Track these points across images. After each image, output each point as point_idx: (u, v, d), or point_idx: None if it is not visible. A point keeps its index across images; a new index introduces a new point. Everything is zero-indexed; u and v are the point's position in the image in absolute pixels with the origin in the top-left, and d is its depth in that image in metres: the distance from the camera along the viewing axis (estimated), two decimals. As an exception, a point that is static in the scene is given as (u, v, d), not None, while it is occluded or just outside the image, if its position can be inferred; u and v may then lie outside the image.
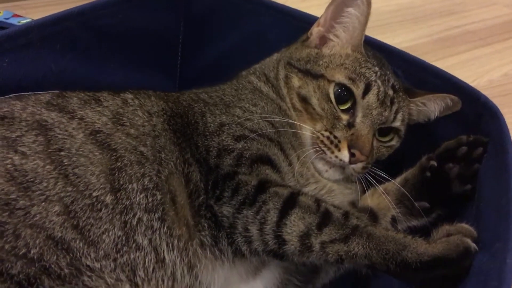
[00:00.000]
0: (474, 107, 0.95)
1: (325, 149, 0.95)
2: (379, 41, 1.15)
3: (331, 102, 0.96)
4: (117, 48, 1.18)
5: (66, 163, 0.77)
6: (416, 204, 0.92)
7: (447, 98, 0.98)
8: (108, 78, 1.18)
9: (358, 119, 0.95)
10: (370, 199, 0.96)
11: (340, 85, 0.97)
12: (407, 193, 0.93)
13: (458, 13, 2.18)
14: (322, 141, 0.95)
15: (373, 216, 0.94)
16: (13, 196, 0.72)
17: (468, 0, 2.29)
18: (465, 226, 0.79)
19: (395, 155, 1.06)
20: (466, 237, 0.75)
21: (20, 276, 0.67)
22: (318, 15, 1.22)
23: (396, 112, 0.99)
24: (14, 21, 1.67)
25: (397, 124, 1.00)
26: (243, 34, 1.34)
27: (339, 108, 0.96)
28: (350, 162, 0.94)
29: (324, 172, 0.98)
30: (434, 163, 0.92)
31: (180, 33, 1.34)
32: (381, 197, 0.96)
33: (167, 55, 1.35)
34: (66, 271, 0.70)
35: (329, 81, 0.97)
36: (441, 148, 0.93)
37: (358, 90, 0.96)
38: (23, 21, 1.68)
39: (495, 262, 0.68)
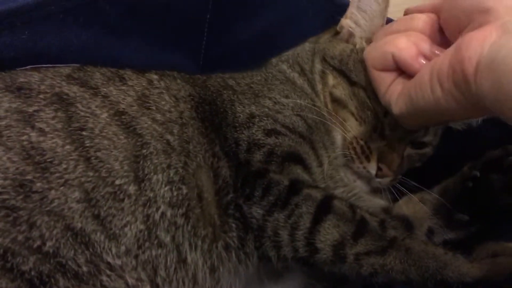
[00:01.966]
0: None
1: (354, 157, 0.90)
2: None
3: (369, 110, 0.90)
4: (141, 24, 1.11)
5: (88, 145, 0.71)
6: (455, 216, 0.86)
7: None
8: (131, 55, 1.11)
9: (387, 131, 0.90)
10: (406, 207, 0.91)
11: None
12: (446, 203, 0.87)
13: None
14: (354, 149, 0.90)
15: (409, 225, 0.88)
16: (29, 177, 0.65)
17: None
18: (512, 246, 0.73)
19: (429, 162, 0.99)
20: None
21: (32, 273, 0.61)
22: None
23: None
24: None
25: (429, 138, 0.95)
26: (273, 17, 1.27)
27: (376, 118, 0.90)
28: (377, 176, 0.89)
29: (351, 182, 0.93)
30: (477, 173, 0.86)
31: (208, 11, 1.27)
32: (418, 206, 0.90)
33: (193, 34, 1.28)
34: (85, 269, 0.64)
35: (364, 89, 0.91)
36: (485, 157, 0.87)
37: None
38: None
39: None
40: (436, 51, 0.76)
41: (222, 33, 1.30)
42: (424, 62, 0.76)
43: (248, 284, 0.80)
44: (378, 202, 0.94)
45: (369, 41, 0.95)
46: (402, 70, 0.79)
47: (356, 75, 0.93)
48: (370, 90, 0.89)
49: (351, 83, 0.93)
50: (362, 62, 0.91)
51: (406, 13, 0.86)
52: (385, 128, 0.90)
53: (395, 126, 0.89)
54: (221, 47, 1.33)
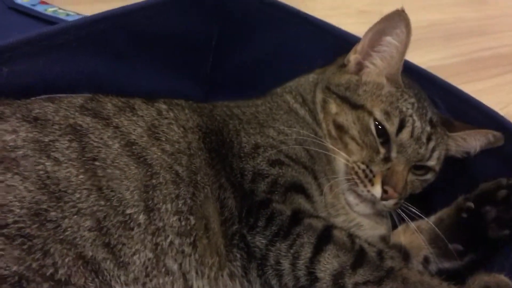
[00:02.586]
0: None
1: (358, 181, 0.93)
2: (418, 67, 1.11)
3: (371, 134, 0.94)
4: (149, 51, 1.15)
5: (100, 174, 0.73)
6: (450, 246, 0.89)
7: (489, 134, 0.95)
8: (138, 81, 1.15)
9: (393, 154, 0.93)
10: (403, 236, 0.94)
11: (375, 120, 0.94)
12: (441, 234, 0.90)
13: (491, 34, 2.14)
14: (356, 173, 0.93)
15: (405, 254, 0.91)
16: (44, 206, 0.68)
17: (501, 21, 2.24)
18: (504, 279, 0.76)
19: (428, 188, 1.03)
20: None
21: None
22: (347, 25, 1.22)
23: (433, 150, 0.96)
24: (40, 8, 1.64)
25: (432, 163, 0.97)
26: (276, 45, 1.30)
27: (379, 142, 0.93)
28: (382, 199, 0.92)
29: (354, 206, 0.96)
30: (471, 204, 0.89)
31: (213, 38, 1.30)
32: (414, 235, 0.93)
33: (198, 60, 1.32)
34: None
35: (369, 113, 0.95)
36: (478, 189, 0.90)
37: (392, 127, 0.93)
38: (50, 9, 1.65)
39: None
40: None
41: (226, 60, 1.34)
42: None
43: None
44: (378, 232, 0.96)
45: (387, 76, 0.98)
46: None
47: (364, 99, 0.96)
48: (379, 114, 0.93)
49: (356, 107, 0.96)
50: (372, 91, 0.96)
51: None
52: (392, 150, 0.93)
53: (403, 148, 0.92)
54: (225, 72, 1.36)
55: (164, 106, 0.90)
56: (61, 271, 0.65)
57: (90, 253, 0.68)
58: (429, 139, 0.94)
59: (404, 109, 0.94)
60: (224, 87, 1.36)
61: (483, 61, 1.94)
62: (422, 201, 1.00)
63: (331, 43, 1.17)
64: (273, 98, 1.04)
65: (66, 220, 0.68)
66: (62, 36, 0.95)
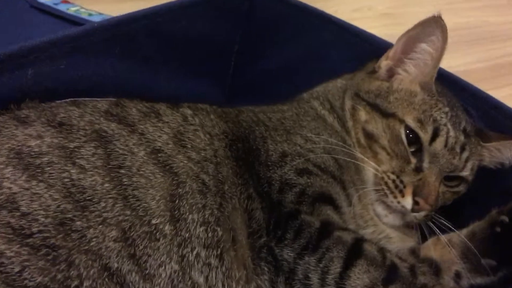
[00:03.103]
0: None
1: (387, 192, 0.90)
2: (449, 73, 1.08)
3: (402, 144, 0.91)
4: (173, 55, 1.14)
5: (126, 183, 0.71)
6: (482, 261, 0.86)
7: None
8: (162, 84, 1.13)
9: (425, 164, 0.90)
10: (434, 250, 0.90)
11: (407, 128, 0.91)
12: (473, 248, 0.86)
13: (517, 39, 2.09)
14: (386, 183, 0.90)
15: (436, 268, 0.87)
16: (69, 216, 0.66)
17: (528, 25, 2.19)
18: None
19: (459, 200, 0.99)
20: None
21: None
22: (370, 28, 1.19)
23: (466, 161, 0.92)
24: (63, 7, 1.64)
25: (465, 173, 0.94)
26: (300, 49, 1.29)
27: (410, 152, 0.90)
28: (413, 210, 0.89)
29: (383, 217, 0.93)
30: (505, 218, 0.85)
31: (236, 42, 1.29)
32: (445, 249, 0.90)
33: (220, 65, 1.31)
34: None
35: (400, 122, 0.92)
36: None
37: (426, 136, 0.90)
38: (72, 8, 1.64)
39: None
40: None
41: (249, 64, 1.32)
42: None
43: None
44: (407, 244, 0.93)
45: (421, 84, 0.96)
46: None
47: (395, 107, 0.93)
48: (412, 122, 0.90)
49: (386, 115, 0.94)
50: (404, 98, 0.93)
51: None
52: (424, 160, 0.90)
53: (436, 158, 0.89)
54: (247, 77, 1.35)
55: (189, 112, 0.89)
56: (86, 283, 0.63)
57: (116, 265, 0.66)
58: (463, 149, 0.91)
59: (438, 117, 0.91)
60: (247, 93, 1.34)
61: (508, 67, 1.90)
62: (453, 213, 0.97)
63: (358, 47, 1.15)
64: (300, 104, 1.02)
65: (91, 230, 0.66)
66: (87, 38, 0.93)
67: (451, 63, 1.78)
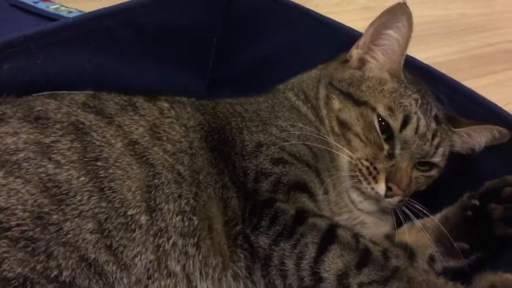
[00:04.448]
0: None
1: (362, 178, 0.91)
2: (422, 63, 1.10)
3: (375, 131, 0.92)
4: (151, 47, 1.14)
5: (102, 175, 0.73)
6: (455, 245, 0.88)
7: (495, 130, 0.94)
8: (140, 77, 1.14)
9: (397, 151, 0.91)
10: (408, 235, 0.92)
11: (379, 116, 0.93)
12: (446, 233, 0.89)
13: (494, 30, 2.12)
14: (360, 170, 0.91)
15: (410, 253, 0.90)
16: (46, 210, 0.67)
17: (505, 17, 2.22)
18: (510, 278, 0.75)
19: (432, 185, 1.02)
20: None
21: None
22: (351, 21, 1.21)
23: (437, 147, 0.94)
24: (43, 5, 1.63)
25: (437, 159, 0.95)
26: (279, 42, 1.30)
27: (383, 139, 0.92)
28: (386, 196, 0.90)
29: (358, 203, 0.95)
30: (476, 202, 0.88)
31: (215, 35, 1.30)
32: (420, 234, 0.92)
33: (200, 56, 1.32)
34: None
35: (373, 110, 0.93)
36: (484, 186, 0.89)
37: (396, 123, 0.91)
38: (52, 6, 1.64)
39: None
40: None
41: (228, 56, 1.33)
42: None
43: None
44: (382, 229, 0.95)
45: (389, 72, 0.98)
46: None
47: (367, 95, 0.95)
48: (383, 110, 0.92)
49: (359, 103, 0.95)
50: (375, 86, 0.95)
51: None
52: (396, 146, 0.91)
53: (407, 144, 0.91)
54: (227, 69, 1.36)
55: (166, 105, 0.90)
56: (65, 273, 0.65)
57: (93, 256, 0.67)
58: (434, 135, 0.93)
59: (408, 105, 0.93)
60: (227, 85, 1.35)
61: (487, 57, 1.93)
62: (427, 198, 0.99)
63: (337, 40, 1.15)
64: (275, 95, 1.03)
65: (68, 223, 0.68)
66: (62, 33, 0.94)
67: (429, 54, 1.82)
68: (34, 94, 0.86)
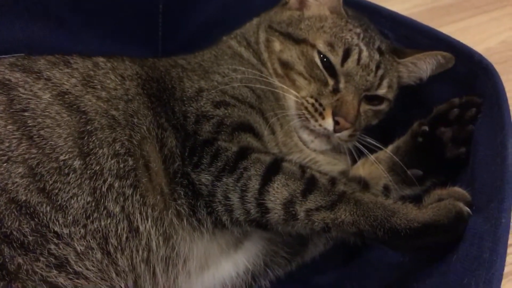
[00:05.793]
0: (468, 66, 0.89)
1: (309, 116, 0.90)
2: (370, 3, 1.09)
3: (318, 68, 0.91)
4: (93, 18, 1.12)
5: (30, 124, 0.73)
6: (408, 172, 0.87)
7: (439, 55, 0.93)
8: (85, 50, 1.11)
9: (341, 84, 0.90)
10: (362, 169, 0.92)
11: (320, 52, 0.92)
12: (398, 161, 0.88)
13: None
14: (306, 108, 0.90)
15: (364, 185, 0.89)
16: None
17: (463, -32, 2.22)
18: (457, 189, 0.75)
19: (387, 122, 1.01)
20: (458, 201, 0.71)
21: None
22: None
23: (382, 78, 0.93)
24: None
25: (383, 91, 0.94)
26: (226, 1, 1.28)
27: (327, 74, 0.91)
28: (335, 131, 0.89)
29: (310, 143, 0.94)
30: (426, 127, 0.87)
31: (160, 2, 1.27)
32: (373, 166, 0.91)
33: (148, 26, 1.29)
34: (30, 238, 0.66)
35: (312, 46, 0.92)
36: (433, 112, 0.88)
37: (336, 58, 0.91)
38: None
39: (489, 223, 0.64)
40: None
41: (177, 23, 1.31)
42: None
43: (207, 252, 0.81)
44: (336, 167, 0.94)
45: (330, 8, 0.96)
46: None
47: (306, 32, 0.94)
48: (323, 45, 0.91)
49: (298, 41, 0.94)
50: (315, 24, 0.94)
51: None
52: (340, 80, 0.90)
53: (350, 77, 0.90)
54: (179, 36, 1.33)
55: (101, 59, 0.89)
56: None
57: (23, 198, 0.68)
58: (378, 67, 0.92)
59: (349, 38, 0.92)
60: (179, 53, 1.33)
61: (446, 8, 1.92)
62: (383, 136, 0.98)
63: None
64: (218, 45, 1.02)
65: None
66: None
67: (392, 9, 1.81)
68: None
